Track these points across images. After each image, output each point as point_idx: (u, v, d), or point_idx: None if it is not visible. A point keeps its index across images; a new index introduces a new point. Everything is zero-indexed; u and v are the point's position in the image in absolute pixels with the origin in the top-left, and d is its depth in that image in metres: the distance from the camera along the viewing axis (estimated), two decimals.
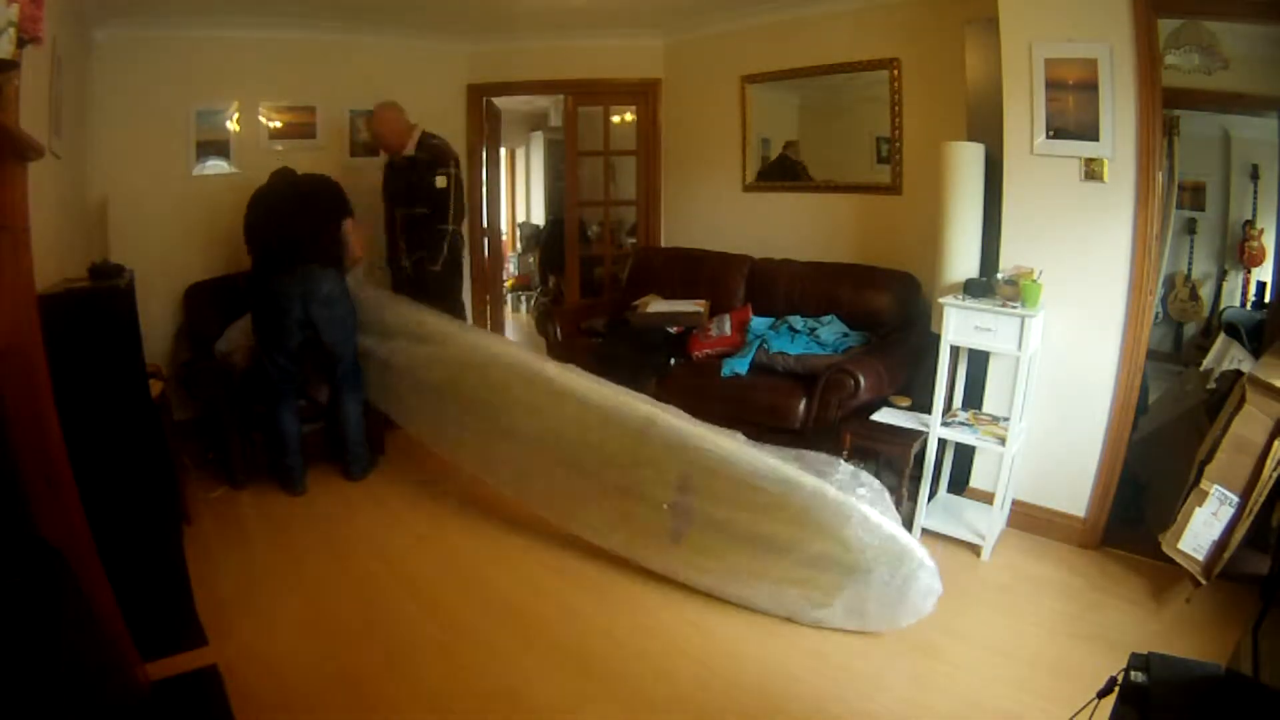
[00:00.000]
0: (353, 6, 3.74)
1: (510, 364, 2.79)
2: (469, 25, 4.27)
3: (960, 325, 2.55)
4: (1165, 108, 2.40)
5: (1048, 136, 2.52)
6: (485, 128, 4.74)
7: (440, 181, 3.53)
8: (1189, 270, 3.69)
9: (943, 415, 2.66)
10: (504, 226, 6.85)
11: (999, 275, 2.59)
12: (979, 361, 2.79)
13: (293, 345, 3.01)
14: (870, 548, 2.07)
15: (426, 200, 3.52)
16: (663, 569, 2.41)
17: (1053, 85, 2.48)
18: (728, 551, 2.28)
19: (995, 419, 2.68)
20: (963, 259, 2.71)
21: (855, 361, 2.92)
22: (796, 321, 3.37)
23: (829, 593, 2.14)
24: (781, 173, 4.07)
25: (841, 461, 2.31)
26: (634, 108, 4.71)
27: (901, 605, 2.10)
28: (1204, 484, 2.08)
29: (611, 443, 2.48)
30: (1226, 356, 2.80)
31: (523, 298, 7.43)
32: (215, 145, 3.80)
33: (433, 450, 3.12)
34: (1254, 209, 3.44)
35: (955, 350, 2.67)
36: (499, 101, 4.91)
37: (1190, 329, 3.71)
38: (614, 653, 2.12)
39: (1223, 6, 2.44)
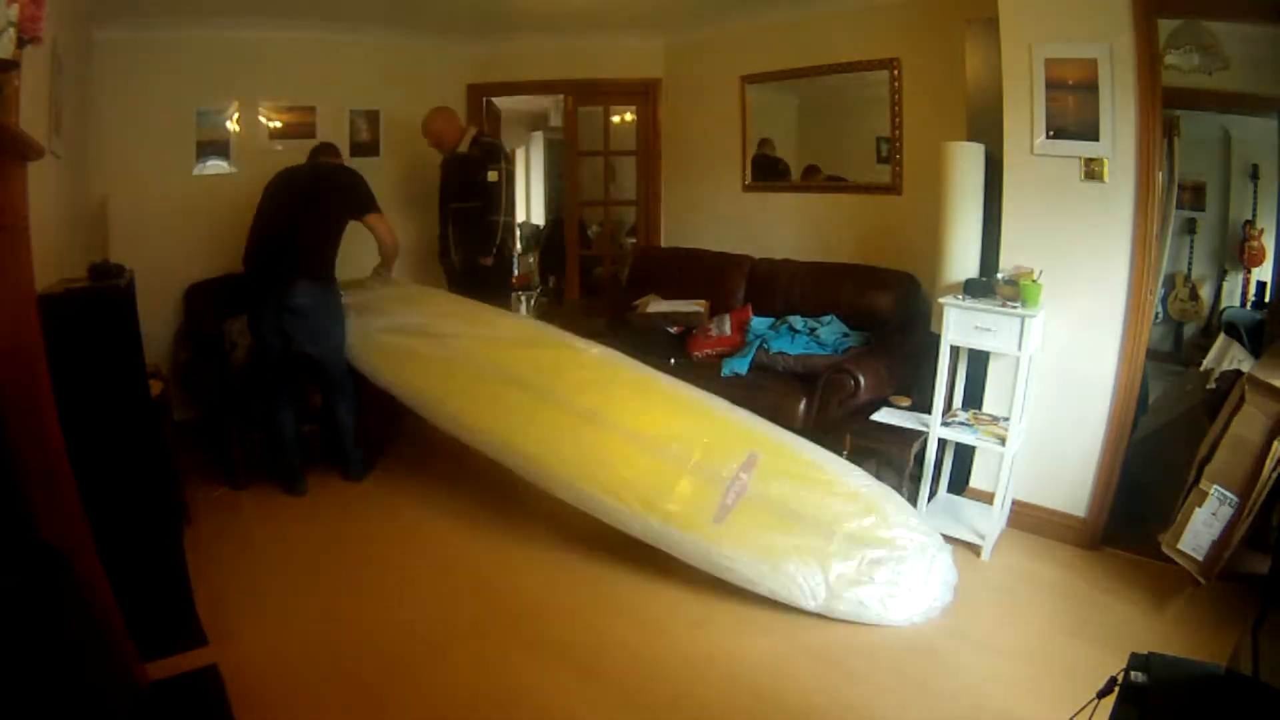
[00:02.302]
0: (353, 6, 3.74)
1: (558, 343, 2.91)
2: (469, 25, 4.27)
3: (960, 325, 2.55)
4: (1165, 108, 2.40)
5: (1048, 136, 2.52)
6: (485, 128, 4.74)
7: (492, 176, 3.72)
8: (1189, 270, 3.69)
9: (943, 415, 2.66)
10: None
11: (999, 275, 2.59)
12: (979, 361, 2.79)
13: (272, 349, 2.99)
14: (907, 526, 2.32)
15: (478, 194, 3.70)
16: (695, 553, 2.33)
17: (1053, 85, 2.48)
18: (769, 530, 2.30)
19: (995, 419, 2.68)
20: (963, 259, 2.71)
21: (855, 361, 2.92)
22: (796, 321, 3.37)
23: (869, 568, 2.23)
24: (763, 173, 4.07)
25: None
26: (634, 108, 4.72)
27: (927, 589, 2.24)
28: (1204, 484, 2.08)
29: (675, 422, 2.59)
30: (1226, 356, 2.80)
31: (523, 297, 7.43)
32: (215, 145, 3.80)
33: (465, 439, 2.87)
34: (1254, 209, 3.44)
35: (955, 350, 2.67)
36: (499, 101, 4.91)
37: (1190, 329, 3.71)
38: (614, 653, 2.11)
39: (1223, 6, 2.44)
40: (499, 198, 3.74)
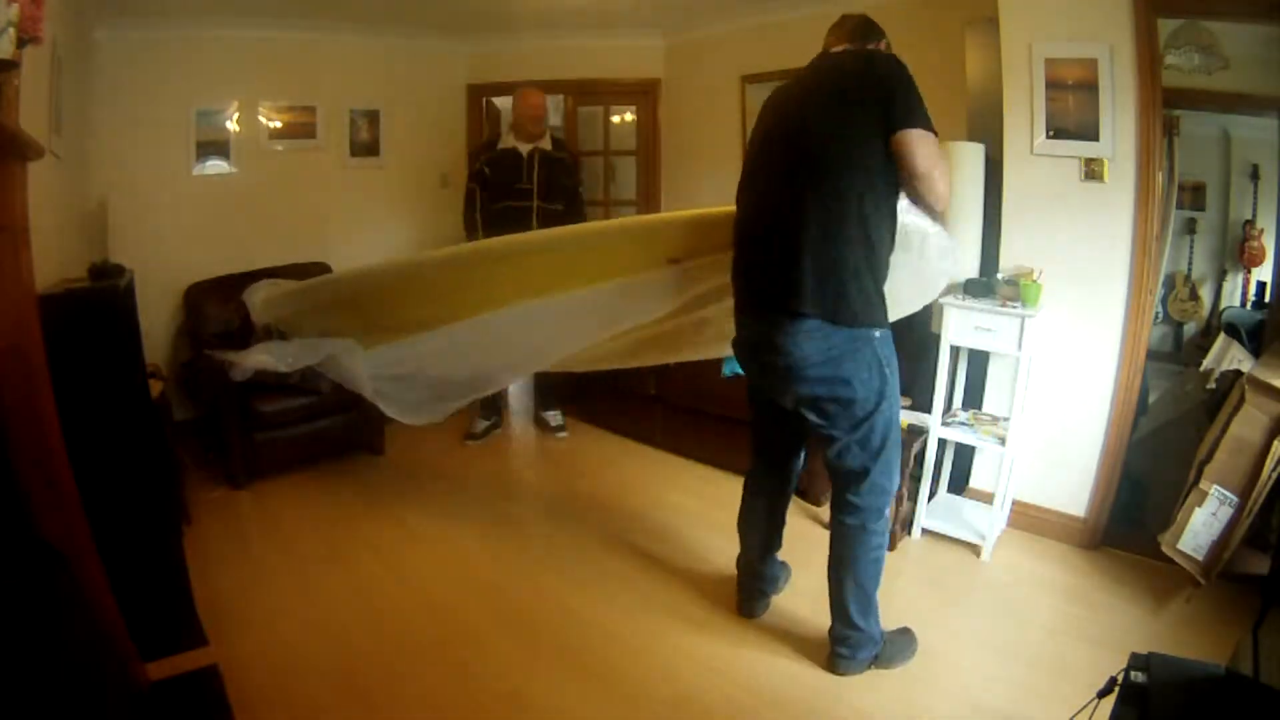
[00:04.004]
0: (353, 6, 3.74)
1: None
2: (469, 25, 4.27)
3: (960, 325, 2.55)
4: (1165, 108, 2.40)
5: (1048, 136, 2.53)
6: (485, 128, 4.74)
7: (579, 183, 3.71)
8: (1189, 270, 3.69)
9: (943, 415, 2.66)
10: None
11: (999, 275, 2.59)
12: (979, 361, 2.79)
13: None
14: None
15: (563, 197, 3.57)
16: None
17: (1053, 85, 2.48)
18: None
19: (995, 419, 2.68)
20: (963, 259, 2.71)
21: None
22: None
23: None
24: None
25: None
26: (634, 108, 4.71)
27: (929, 271, 2.06)
28: (1203, 484, 2.08)
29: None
30: (1226, 356, 2.80)
31: None
32: (215, 145, 3.80)
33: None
34: (1254, 209, 3.44)
35: (955, 350, 2.67)
36: (499, 101, 4.91)
37: (1190, 329, 3.71)
38: (615, 653, 2.12)
39: (1223, 6, 2.44)
40: (581, 203, 3.69)
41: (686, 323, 2.44)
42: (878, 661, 2.01)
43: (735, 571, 2.32)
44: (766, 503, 2.22)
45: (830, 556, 1.98)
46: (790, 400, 1.88)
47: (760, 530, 2.23)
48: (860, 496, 1.90)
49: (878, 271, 1.76)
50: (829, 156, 1.73)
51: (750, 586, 2.28)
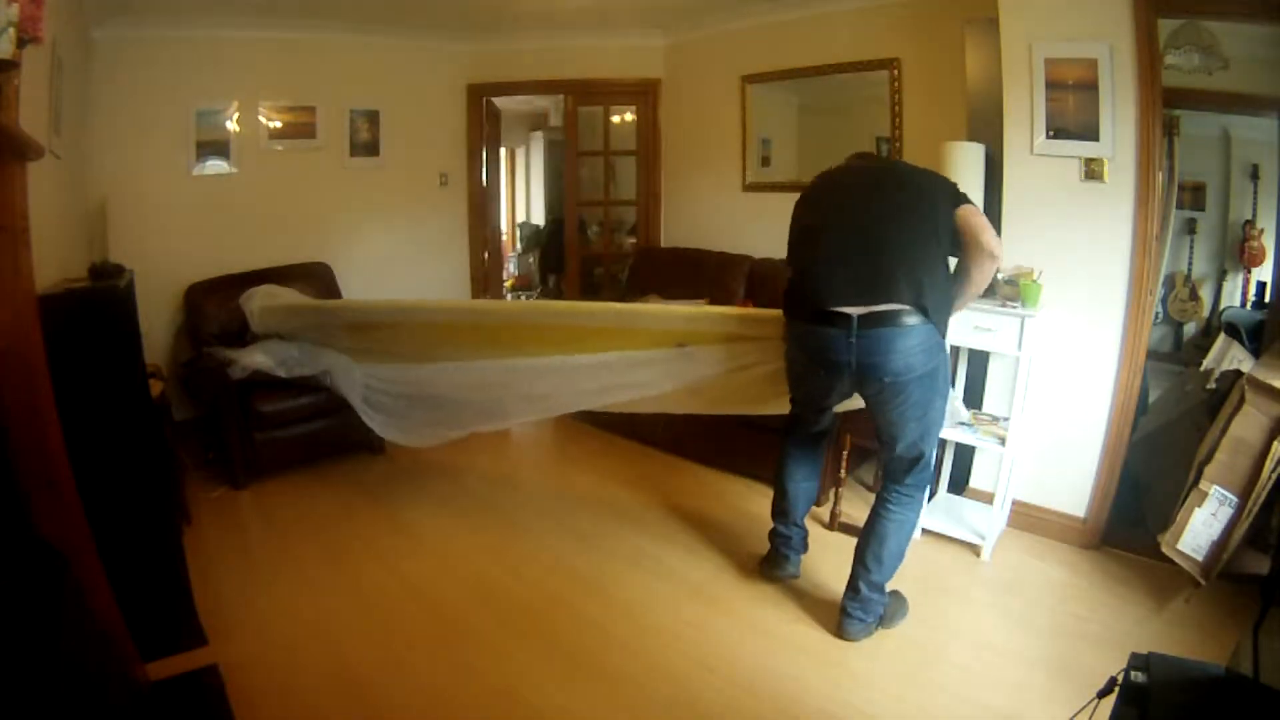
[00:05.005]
0: (353, 6, 3.74)
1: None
2: (469, 25, 4.27)
3: (960, 325, 2.54)
4: (1165, 108, 2.40)
5: (1048, 136, 2.52)
6: (485, 128, 4.74)
7: None
8: (1189, 270, 3.69)
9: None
10: (504, 226, 6.86)
11: (999, 275, 2.59)
12: (979, 361, 2.79)
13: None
14: None
15: None
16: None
17: (1053, 85, 2.48)
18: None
19: (995, 419, 2.68)
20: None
21: None
22: None
23: None
24: None
25: None
26: (634, 108, 4.71)
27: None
28: (1203, 484, 2.08)
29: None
30: (1226, 356, 2.80)
31: (523, 297, 7.44)
32: (215, 145, 3.79)
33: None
34: (1254, 209, 3.44)
35: (955, 350, 2.67)
36: (499, 101, 4.91)
37: (1190, 329, 3.71)
38: (614, 652, 2.12)
39: (1223, 6, 2.44)
40: None
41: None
42: (882, 622, 2.17)
43: (735, 570, 2.32)
44: (811, 450, 2.42)
45: (874, 532, 2.12)
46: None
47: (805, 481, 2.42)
48: (918, 475, 2.12)
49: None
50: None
51: (779, 548, 2.43)
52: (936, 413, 2.08)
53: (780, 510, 2.43)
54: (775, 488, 2.45)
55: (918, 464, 2.10)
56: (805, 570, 2.44)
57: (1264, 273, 3.42)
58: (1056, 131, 2.51)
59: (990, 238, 1.95)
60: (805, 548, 2.46)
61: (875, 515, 2.15)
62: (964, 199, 2.03)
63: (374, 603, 2.37)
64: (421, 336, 2.86)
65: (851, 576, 2.15)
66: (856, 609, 2.13)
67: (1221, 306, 3.58)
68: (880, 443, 2.16)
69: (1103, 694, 1.17)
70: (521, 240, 8.03)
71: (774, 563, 2.43)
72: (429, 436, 2.93)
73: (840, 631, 2.14)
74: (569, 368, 2.60)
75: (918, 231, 1.95)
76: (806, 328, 2.04)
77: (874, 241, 1.96)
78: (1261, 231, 3.42)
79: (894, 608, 2.22)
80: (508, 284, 6.98)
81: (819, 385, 2.14)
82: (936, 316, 1.94)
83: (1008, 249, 2.66)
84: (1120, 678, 1.13)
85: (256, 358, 3.03)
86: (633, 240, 5.14)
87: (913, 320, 1.90)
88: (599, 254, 5.67)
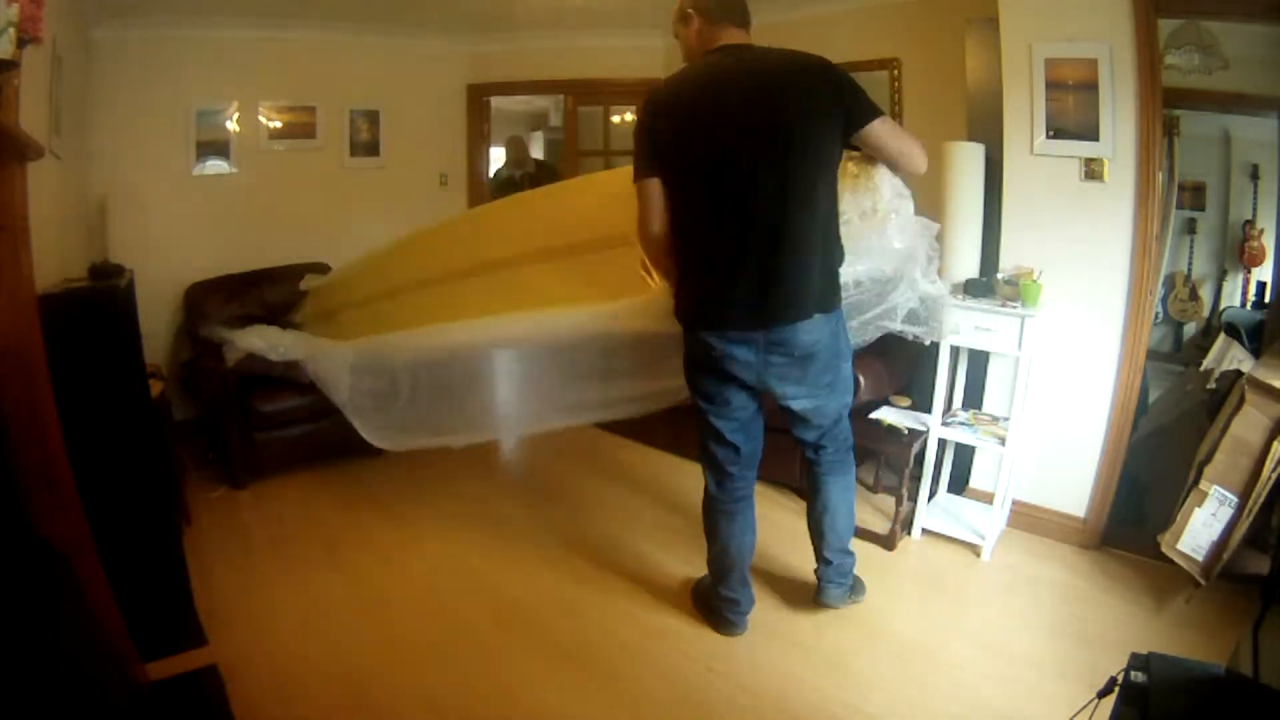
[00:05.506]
0: (353, 6, 3.74)
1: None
2: (469, 25, 4.27)
3: (960, 325, 2.55)
4: (1165, 108, 2.40)
5: (1048, 136, 2.52)
6: (485, 128, 4.74)
7: None
8: (1189, 270, 3.69)
9: (943, 415, 2.66)
10: None
11: (999, 275, 2.59)
12: (979, 361, 2.79)
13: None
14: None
15: None
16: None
17: (1053, 85, 2.48)
18: None
19: (995, 419, 2.68)
20: (963, 259, 2.71)
21: (855, 361, 2.91)
22: None
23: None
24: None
25: None
26: (634, 108, 4.71)
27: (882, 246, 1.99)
28: (1203, 484, 2.08)
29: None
30: (1226, 356, 2.80)
31: None
32: (215, 145, 3.79)
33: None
34: (1254, 209, 3.44)
35: (955, 350, 2.67)
36: (498, 101, 4.91)
37: (1190, 329, 3.72)
38: (614, 652, 2.12)
39: (1223, 6, 2.45)
40: None
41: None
42: (852, 594, 2.25)
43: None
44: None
45: (824, 503, 2.14)
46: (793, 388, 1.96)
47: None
48: (846, 435, 2.14)
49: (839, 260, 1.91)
50: (810, 167, 1.78)
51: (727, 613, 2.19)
52: (847, 371, 2.06)
53: (723, 569, 2.12)
54: (713, 545, 2.14)
55: (840, 424, 2.11)
56: (805, 570, 2.44)
57: (1264, 273, 3.42)
58: (1056, 131, 2.51)
59: (919, 154, 1.88)
60: (752, 602, 2.20)
61: (819, 488, 2.13)
62: (877, 109, 1.80)
63: (374, 603, 2.37)
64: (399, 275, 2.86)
65: (816, 551, 2.21)
66: (833, 575, 2.20)
67: (1221, 306, 3.58)
68: (802, 423, 2.05)
69: (1103, 694, 1.17)
70: None
71: (727, 626, 2.18)
72: (404, 442, 2.85)
73: (822, 598, 2.22)
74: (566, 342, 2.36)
75: (821, 176, 1.76)
76: (706, 343, 1.88)
77: (779, 229, 1.74)
78: (1261, 231, 3.42)
79: (857, 581, 2.31)
80: None
81: (732, 393, 1.98)
82: (838, 298, 1.90)
83: (1008, 248, 2.67)
84: (1120, 678, 1.13)
85: (251, 340, 3.10)
86: None
87: (820, 317, 1.84)
88: None
